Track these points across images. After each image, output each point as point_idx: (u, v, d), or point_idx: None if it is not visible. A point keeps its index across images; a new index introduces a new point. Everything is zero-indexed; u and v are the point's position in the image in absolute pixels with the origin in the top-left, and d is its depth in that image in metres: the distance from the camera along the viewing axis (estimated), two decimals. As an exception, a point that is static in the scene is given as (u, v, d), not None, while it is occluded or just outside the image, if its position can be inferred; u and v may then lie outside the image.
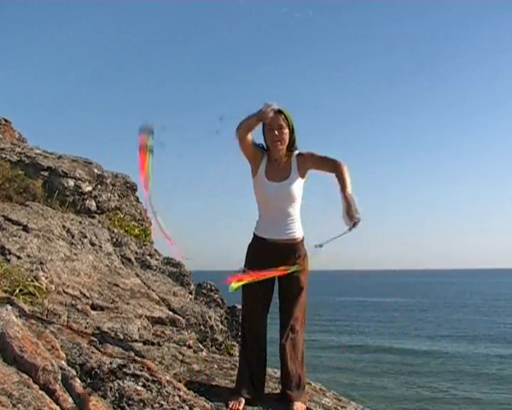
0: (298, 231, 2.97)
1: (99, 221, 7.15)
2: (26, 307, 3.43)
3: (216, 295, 6.59)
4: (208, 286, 6.75)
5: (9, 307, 3.02)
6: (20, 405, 2.03)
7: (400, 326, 29.29)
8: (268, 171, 2.96)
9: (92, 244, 5.76)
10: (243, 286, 2.98)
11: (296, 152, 3.00)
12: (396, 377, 16.16)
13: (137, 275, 5.67)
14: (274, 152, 2.96)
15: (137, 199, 8.92)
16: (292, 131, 2.96)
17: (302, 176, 2.98)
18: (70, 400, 2.24)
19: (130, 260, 6.18)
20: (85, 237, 5.80)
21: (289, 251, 2.94)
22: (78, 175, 7.27)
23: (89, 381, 2.55)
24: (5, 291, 3.54)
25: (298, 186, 2.95)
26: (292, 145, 2.98)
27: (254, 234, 3.04)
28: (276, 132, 2.91)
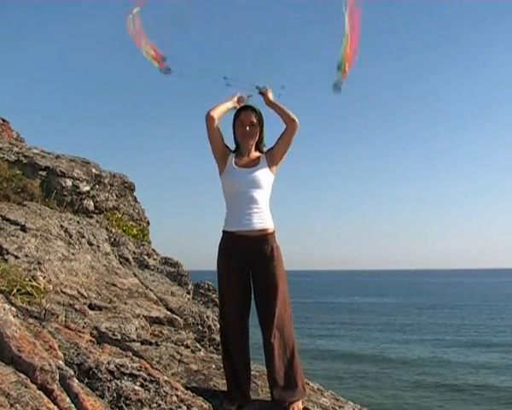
0: (268, 221, 2.96)
1: (97, 221, 7.15)
2: (24, 307, 3.43)
3: (214, 295, 6.59)
4: (206, 286, 6.76)
5: (7, 306, 3.02)
6: (17, 405, 2.03)
7: (398, 330, 28.69)
8: (237, 162, 3.03)
9: (90, 244, 5.76)
10: (219, 289, 2.97)
11: (265, 149, 3.12)
12: (396, 389, 15.29)
13: (135, 275, 5.67)
14: (243, 147, 3.06)
15: (135, 199, 8.92)
16: (261, 129, 3.08)
17: (271, 169, 3.03)
18: (68, 400, 2.24)
19: (127, 259, 6.18)
20: (83, 236, 5.80)
21: (261, 243, 2.90)
22: (75, 175, 7.28)
23: (86, 381, 2.54)
24: (3, 291, 3.54)
25: (266, 175, 3.00)
26: (260, 142, 3.11)
27: (223, 231, 3.00)
28: (248, 128, 3.02)
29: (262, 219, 2.93)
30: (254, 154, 3.07)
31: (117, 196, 8.23)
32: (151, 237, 8.46)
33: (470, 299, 51.73)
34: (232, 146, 3.13)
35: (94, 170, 7.85)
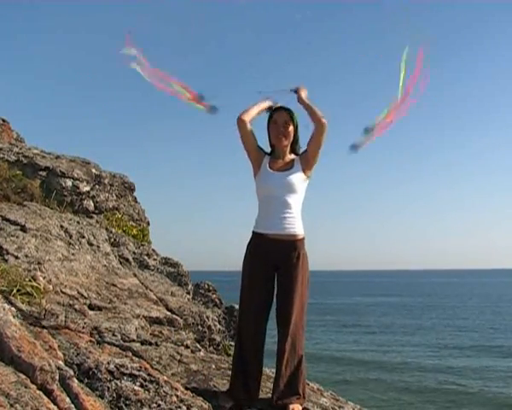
0: (298, 227, 2.94)
1: (97, 221, 7.15)
2: (24, 307, 3.43)
3: (214, 296, 6.59)
4: (206, 286, 6.75)
5: (7, 306, 3.02)
6: (17, 405, 2.03)
7: (399, 332, 28.03)
8: (271, 164, 3.01)
9: (90, 244, 5.76)
10: (241, 287, 2.98)
11: (300, 151, 3.08)
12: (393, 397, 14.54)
13: (135, 275, 5.67)
14: (278, 147, 3.03)
15: (135, 199, 8.92)
16: (296, 129, 3.04)
17: (305, 173, 3.00)
18: (67, 400, 2.24)
19: (127, 260, 6.18)
20: (83, 237, 5.80)
21: (289, 248, 2.89)
22: (75, 175, 7.27)
23: (86, 381, 2.55)
24: (3, 291, 3.54)
25: (300, 179, 2.97)
26: (295, 143, 3.07)
27: (253, 232, 3.00)
28: (282, 128, 2.99)
29: (293, 224, 2.92)
30: (289, 156, 3.05)
31: (117, 196, 8.23)
32: (151, 238, 8.46)
33: (472, 300, 51.53)
34: (267, 149, 3.10)
35: (94, 170, 7.85)
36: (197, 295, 6.43)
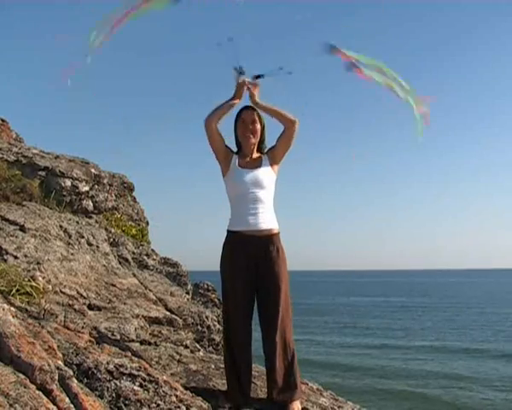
0: (273, 222, 2.97)
1: (96, 221, 7.15)
2: (23, 307, 3.43)
3: (213, 295, 6.59)
4: (205, 286, 6.76)
5: (6, 306, 3.02)
6: (16, 405, 2.02)
7: (399, 335, 27.28)
8: (240, 163, 3.03)
9: (89, 244, 5.75)
10: (223, 288, 2.98)
11: (266, 150, 3.12)
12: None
13: (134, 275, 5.67)
14: (245, 145, 3.06)
15: (134, 199, 8.92)
16: (263, 129, 3.08)
17: (273, 168, 3.04)
18: (67, 400, 2.24)
19: (127, 260, 6.18)
20: (82, 237, 5.79)
21: (266, 244, 2.90)
22: (75, 175, 7.27)
23: (86, 381, 2.55)
24: (2, 291, 3.54)
25: (270, 175, 3.01)
26: (262, 143, 3.11)
27: (228, 231, 3.00)
28: (250, 126, 3.03)
29: (267, 219, 2.94)
30: (256, 154, 3.08)
31: (116, 196, 8.22)
32: (150, 238, 8.46)
33: (472, 300, 51.23)
34: (234, 148, 3.12)
35: (93, 170, 7.84)
36: (196, 295, 6.43)
